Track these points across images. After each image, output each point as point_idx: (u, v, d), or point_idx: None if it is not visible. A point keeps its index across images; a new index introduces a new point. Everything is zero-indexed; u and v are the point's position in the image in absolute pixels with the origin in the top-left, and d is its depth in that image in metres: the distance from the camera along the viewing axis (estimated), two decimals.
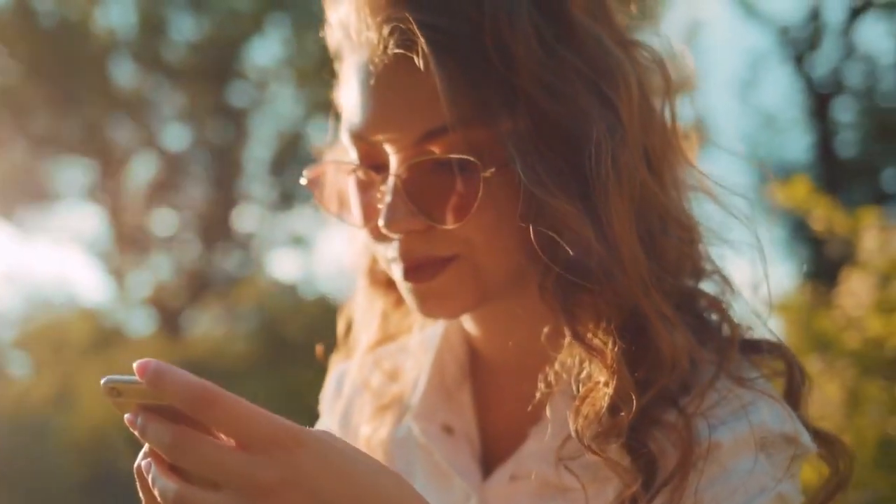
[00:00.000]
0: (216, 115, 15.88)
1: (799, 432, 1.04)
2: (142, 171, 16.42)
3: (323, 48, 1.13)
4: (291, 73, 15.87)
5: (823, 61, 13.73)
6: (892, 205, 13.24)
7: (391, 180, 1.04)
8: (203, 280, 16.58)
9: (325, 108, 1.17)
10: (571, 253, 1.00)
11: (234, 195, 16.55)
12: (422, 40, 0.99)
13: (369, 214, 1.09)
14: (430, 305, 1.08)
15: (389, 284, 1.25)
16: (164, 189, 16.17)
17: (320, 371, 1.33)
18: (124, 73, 15.78)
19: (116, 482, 11.29)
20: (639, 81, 1.07)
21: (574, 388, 1.04)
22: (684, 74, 1.14)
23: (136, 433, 0.82)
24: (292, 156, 15.99)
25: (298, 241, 16.95)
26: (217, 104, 15.79)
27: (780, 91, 18.40)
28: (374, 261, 1.24)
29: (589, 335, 1.02)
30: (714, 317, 1.11)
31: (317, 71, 14.93)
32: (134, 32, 15.64)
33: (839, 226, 3.09)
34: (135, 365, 0.79)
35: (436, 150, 1.02)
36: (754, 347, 1.11)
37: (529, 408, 1.10)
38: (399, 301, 1.26)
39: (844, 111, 14.22)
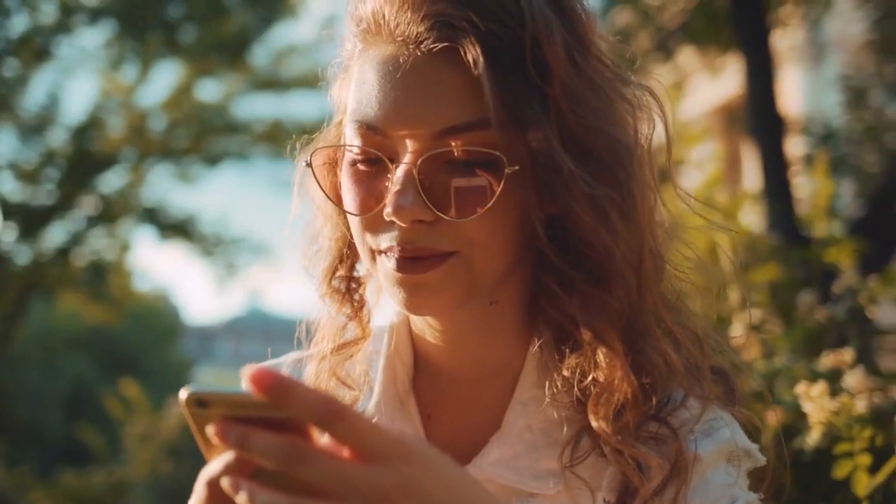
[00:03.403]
0: None
1: (753, 447, 1.15)
2: None
3: None
4: None
5: None
6: None
7: (403, 169, 1.06)
8: None
9: None
10: (592, 254, 1.07)
11: None
12: (472, 37, 1.04)
13: (369, 204, 1.10)
14: (419, 299, 1.09)
15: (346, 294, 1.26)
16: None
17: None
18: None
19: None
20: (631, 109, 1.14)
21: (577, 393, 1.10)
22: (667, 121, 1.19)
23: (220, 443, 0.81)
24: None
25: None
26: None
27: None
28: (335, 268, 1.25)
29: (605, 335, 1.09)
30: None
31: None
32: None
33: None
34: (247, 375, 0.79)
35: (453, 144, 1.05)
36: (713, 371, 1.19)
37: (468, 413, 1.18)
38: (357, 310, 1.26)
39: None
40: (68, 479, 11.40)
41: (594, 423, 1.09)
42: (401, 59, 1.07)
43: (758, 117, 6.76)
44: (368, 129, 1.09)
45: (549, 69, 1.05)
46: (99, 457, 11.10)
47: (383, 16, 1.10)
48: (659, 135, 1.17)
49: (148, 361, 21.27)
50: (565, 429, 1.13)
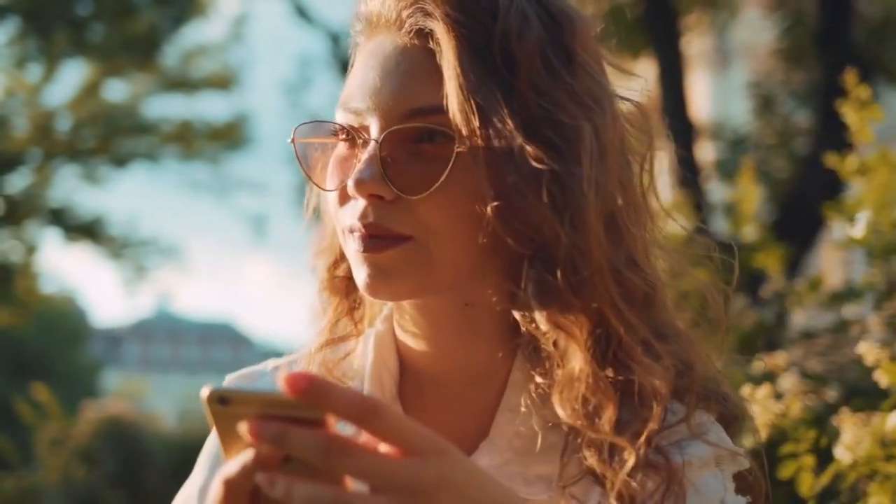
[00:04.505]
0: None
1: (739, 450, 1.15)
2: None
3: None
4: None
5: None
6: None
7: (370, 145, 1.10)
8: None
9: None
10: (539, 238, 1.07)
11: None
12: (441, 24, 1.09)
13: (342, 179, 1.14)
14: (377, 281, 1.11)
15: (344, 290, 1.26)
16: None
17: None
18: None
19: None
20: (621, 128, 1.15)
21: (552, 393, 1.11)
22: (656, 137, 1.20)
23: (252, 440, 0.82)
24: None
25: None
26: None
27: (328, 94, 18.90)
28: (336, 263, 1.26)
29: (562, 323, 1.09)
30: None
31: None
32: None
33: None
34: (282, 378, 0.80)
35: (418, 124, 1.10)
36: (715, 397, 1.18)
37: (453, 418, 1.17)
38: (351, 308, 1.27)
39: None
40: None
41: (561, 415, 1.10)
42: (384, 45, 1.14)
43: (669, 122, 6.86)
44: (347, 111, 1.14)
45: (517, 63, 1.09)
46: (9, 462, 10.88)
47: (376, 9, 1.16)
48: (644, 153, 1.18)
49: (54, 364, 20.89)
50: (553, 435, 1.13)
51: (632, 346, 1.11)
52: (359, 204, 1.11)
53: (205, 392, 0.83)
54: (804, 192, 6.03)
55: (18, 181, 15.47)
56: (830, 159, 2.22)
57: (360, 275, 1.13)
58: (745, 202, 2.82)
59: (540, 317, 1.09)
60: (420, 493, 0.84)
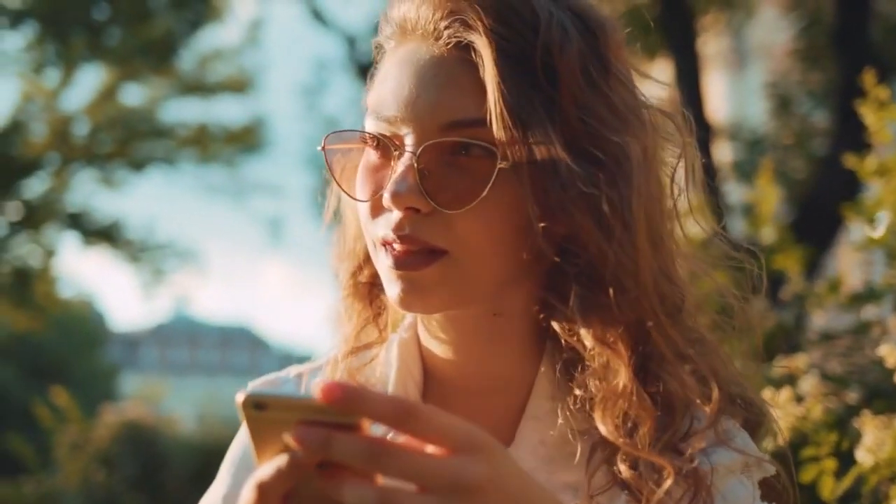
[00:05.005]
0: None
1: (764, 456, 1.16)
2: None
3: None
4: None
5: None
6: None
7: (406, 156, 1.09)
8: None
9: None
10: (586, 255, 1.07)
11: None
12: (482, 37, 1.07)
13: (374, 191, 1.13)
14: (410, 297, 1.10)
15: (368, 296, 1.26)
16: None
17: None
18: None
19: None
20: (657, 140, 1.15)
21: (587, 403, 1.11)
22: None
23: (295, 446, 0.81)
24: None
25: None
26: None
27: (345, 97, 18.93)
28: (358, 269, 1.26)
29: (606, 339, 1.09)
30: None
31: None
32: None
33: None
34: (318, 386, 0.80)
35: (457, 138, 1.08)
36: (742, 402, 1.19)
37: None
38: (376, 315, 1.26)
39: None
40: None
41: (603, 431, 1.09)
42: (420, 54, 1.12)
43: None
44: (381, 119, 1.13)
45: (559, 77, 1.08)
46: (28, 466, 10.93)
47: (410, 16, 1.14)
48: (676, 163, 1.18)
49: (73, 368, 20.95)
50: (580, 443, 1.13)
51: (672, 360, 1.11)
52: (393, 216, 1.10)
53: (240, 397, 0.83)
54: (822, 192, 6.00)
55: (37, 186, 15.54)
56: (849, 160, 2.20)
57: (394, 290, 1.12)
58: (763, 203, 2.80)
59: (585, 332, 1.10)
60: (468, 491, 0.83)
